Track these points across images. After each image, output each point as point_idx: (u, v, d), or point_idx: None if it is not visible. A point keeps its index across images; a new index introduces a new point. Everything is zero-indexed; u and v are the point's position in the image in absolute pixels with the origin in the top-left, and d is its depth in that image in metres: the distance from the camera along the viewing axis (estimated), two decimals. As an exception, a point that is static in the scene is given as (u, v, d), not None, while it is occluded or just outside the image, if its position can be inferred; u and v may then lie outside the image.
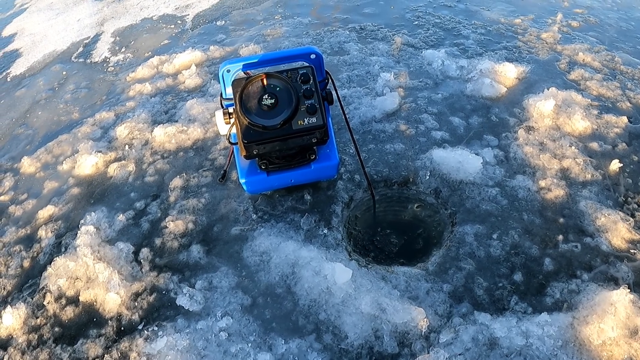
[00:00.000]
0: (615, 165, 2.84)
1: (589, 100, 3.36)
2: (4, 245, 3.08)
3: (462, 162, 2.85)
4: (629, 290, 2.10)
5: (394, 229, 2.68)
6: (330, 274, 2.35)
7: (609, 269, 2.33)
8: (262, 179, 2.65)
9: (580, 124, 3.11)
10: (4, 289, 2.82)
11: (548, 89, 3.34)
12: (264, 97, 2.45)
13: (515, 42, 4.10)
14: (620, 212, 2.57)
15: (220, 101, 2.70)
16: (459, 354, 2.07)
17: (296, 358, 2.16)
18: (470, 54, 3.91)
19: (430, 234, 2.67)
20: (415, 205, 2.79)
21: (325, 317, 2.26)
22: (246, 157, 2.54)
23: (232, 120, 2.54)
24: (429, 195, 2.82)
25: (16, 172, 3.70)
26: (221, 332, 2.28)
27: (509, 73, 3.59)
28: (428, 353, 2.09)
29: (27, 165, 3.69)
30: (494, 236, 2.52)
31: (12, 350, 2.48)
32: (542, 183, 2.77)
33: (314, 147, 2.63)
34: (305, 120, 2.45)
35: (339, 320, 2.24)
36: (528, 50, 3.97)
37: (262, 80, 2.47)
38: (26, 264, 2.92)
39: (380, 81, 3.60)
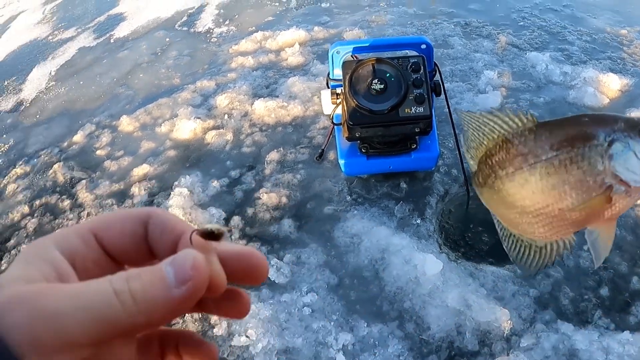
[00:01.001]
0: None
1: (690, 121, 3.22)
2: (97, 197, 3.20)
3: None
4: None
5: (486, 227, 2.65)
6: (420, 264, 2.36)
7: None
8: (361, 162, 2.67)
9: (682, 144, 3.00)
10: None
11: (651, 105, 3.23)
12: (373, 82, 2.46)
13: (620, 53, 3.96)
14: None
15: (327, 81, 2.73)
16: (538, 361, 2.05)
17: (377, 342, 2.18)
18: (574, 61, 3.80)
19: (522, 238, 2.63)
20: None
21: (409, 306, 2.27)
22: (348, 138, 2.57)
23: (339, 101, 2.56)
24: (524, 198, 2.78)
25: (114, 129, 3.83)
26: (305, 307, 2.31)
27: (612, 84, 3.48)
28: (507, 355, 2.07)
29: (126, 123, 3.82)
30: (585, 247, 2.43)
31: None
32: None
33: (416, 137, 2.63)
34: (413, 109, 2.45)
35: (423, 311, 2.24)
36: (633, 63, 3.82)
37: (372, 64, 2.49)
38: (117, 218, 3.02)
39: (484, 78, 3.55)
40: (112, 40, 5.44)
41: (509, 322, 2.16)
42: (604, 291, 2.27)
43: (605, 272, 2.35)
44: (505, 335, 2.14)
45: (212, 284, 0.45)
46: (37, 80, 5.01)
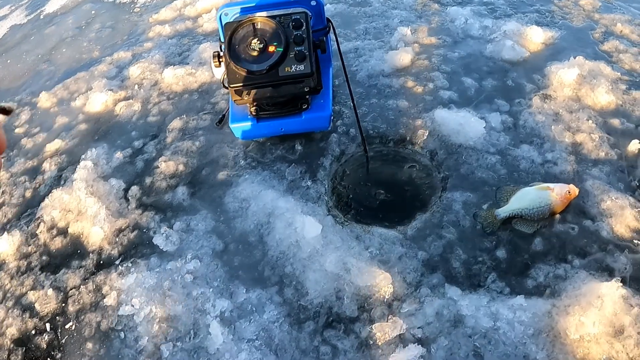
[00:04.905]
0: (634, 145, 2.56)
1: (619, 74, 3.06)
2: (12, 175, 3.17)
3: (464, 124, 2.69)
4: (622, 284, 1.90)
5: (383, 187, 2.57)
6: (300, 227, 2.29)
7: (605, 257, 2.10)
8: (251, 125, 2.59)
9: (603, 97, 2.86)
10: (5, 216, 2.92)
11: (575, 58, 3.09)
12: (253, 42, 2.38)
13: (550, 5, 3.82)
14: (630, 197, 2.31)
15: (220, 45, 2.64)
16: (418, 327, 1.97)
17: (254, 308, 2.13)
18: (498, 15, 3.68)
19: (418, 197, 2.54)
20: (408, 166, 2.67)
21: (290, 271, 2.22)
22: (236, 101, 2.49)
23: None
24: (424, 156, 2.69)
25: (34, 106, 3.79)
26: (187, 275, 2.28)
27: (534, 37, 3.36)
28: (387, 321, 2.01)
29: (44, 100, 3.77)
30: (484, 207, 2.35)
31: (2, 274, 2.59)
32: (549, 155, 2.56)
33: (307, 97, 2.55)
34: (293, 67, 2.37)
35: (303, 276, 2.19)
36: (562, 16, 3.69)
37: (253, 24, 2.40)
38: (28, 194, 3.01)
39: (397, 35, 3.44)
40: (42, 16, 5.36)
41: (391, 286, 2.10)
42: (501, 253, 2.17)
43: (504, 232, 2.24)
44: (386, 300, 2.07)
45: None
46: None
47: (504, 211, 2.25)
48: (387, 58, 3.24)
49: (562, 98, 2.88)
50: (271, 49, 2.38)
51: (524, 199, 2.25)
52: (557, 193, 2.23)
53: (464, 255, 2.19)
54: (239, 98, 2.47)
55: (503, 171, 2.51)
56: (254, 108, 2.55)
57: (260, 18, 2.39)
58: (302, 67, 2.36)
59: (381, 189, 2.57)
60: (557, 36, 3.40)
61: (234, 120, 2.61)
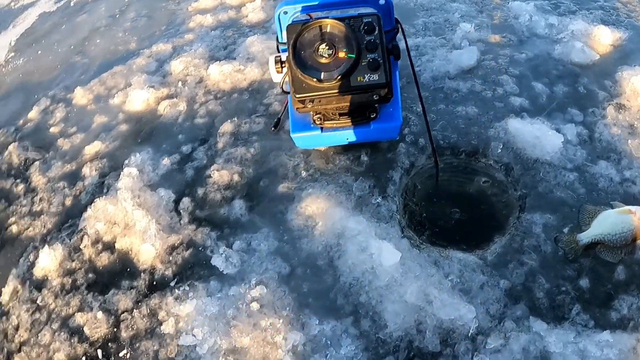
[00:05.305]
0: None
1: (688, 81, 2.85)
2: (49, 180, 3.03)
3: (540, 137, 2.51)
4: None
5: (456, 204, 2.41)
6: (376, 253, 2.12)
7: (688, 289, 1.99)
8: (314, 136, 2.41)
9: (676, 108, 2.67)
10: (45, 226, 2.78)
11: (645, 63, 2.87)
12: (321, 47, 2.19)
13: (614, 2, 3.55)
14: None
15: (277, 45, 2.45)
16: (505, 365, 1.85)
17: (329, 342, 1.99)
18: (562, 11, 3.42)
19: (494, 216, 2.38)
20: (482, 181, 2.49)
21: (366, 300, 2.07)
22: (298, 109, 2.31)
23: (285, 70, 2.29)
24: (498, 170, 2.51)
25: (68, 103, 3.62)
26: (253, 302, 2.12)
27: (603, 38, 3.12)
28: (472, 358, 1.88)
29: (80, 96, 3.60)
30: (565, 230, 2.19)
31: (46, 292, 2.44)
32: (627, 174, 2.38)
33: (376, 105, 2.35)
34: (366, 76, 2.18)
35: (380, 306, 2.04)
36: (627, 14, 3.43)
37: (320, 27, 2.20)
38: (68, 202, 2.85)
39: (459, 32, 3.23)
40: (72, 3, 5.17)
41: (475, 319, 1.96)
42: (584, 282, 2.03)
43: (586, 259, 2.10)
44: (470, 334, 1.94)
45: None
46: (-4, 51, 4.82)
47: (586, 236, 2.09)
48: (451, 58, 3.02)
49: (636, 108, 2.68)
50: (341, 55, 2.18)
51: (605, 223, 2.09)
52: (639, 217, 2.06)
53: (547, 284, 2.05)
54: (302, 106, 2.27)
55: (582, 190, 2.34)
56: (317, 116, 2.36)
57: (329, 20, 2.19)
58: (376, 76, 2.17)
59: (455, 206, 2.40)
60: (624, 37, 3.14)
61: (295, 129, 2.42)
